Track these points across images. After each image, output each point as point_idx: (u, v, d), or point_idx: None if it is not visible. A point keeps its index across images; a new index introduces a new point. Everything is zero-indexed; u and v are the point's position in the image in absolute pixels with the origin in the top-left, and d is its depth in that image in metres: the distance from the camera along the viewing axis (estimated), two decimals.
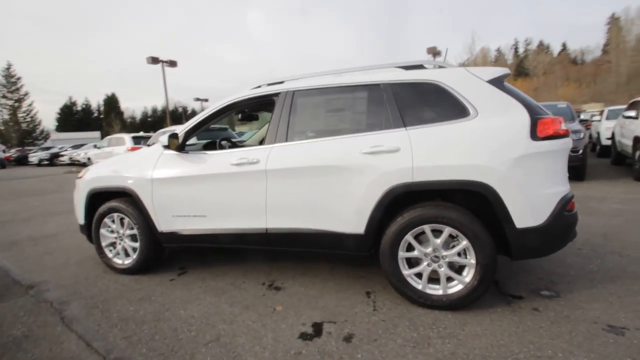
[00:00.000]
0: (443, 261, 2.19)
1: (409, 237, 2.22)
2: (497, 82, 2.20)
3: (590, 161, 7.58)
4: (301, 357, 1.86)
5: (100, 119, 64.71)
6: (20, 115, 43.79)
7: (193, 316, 2.34)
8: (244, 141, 4.50)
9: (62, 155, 22.90)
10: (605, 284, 2.48)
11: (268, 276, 2.93)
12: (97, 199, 3.18)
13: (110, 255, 3.19)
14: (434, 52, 21.70)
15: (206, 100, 37.20)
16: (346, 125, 2.51)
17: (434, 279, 2.26)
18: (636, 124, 6.65)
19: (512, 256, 2.15)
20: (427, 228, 2.17)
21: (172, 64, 21.11)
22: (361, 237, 2.32)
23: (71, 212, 6.32)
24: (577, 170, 6.37)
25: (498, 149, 2.05)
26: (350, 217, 2.32)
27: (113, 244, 3.20)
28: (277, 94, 2.66)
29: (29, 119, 44.83)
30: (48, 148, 29.08)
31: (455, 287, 2.18)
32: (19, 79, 44.49)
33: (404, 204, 2.26)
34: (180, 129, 2.85)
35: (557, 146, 2.09)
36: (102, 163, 3.42)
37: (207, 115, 2.85)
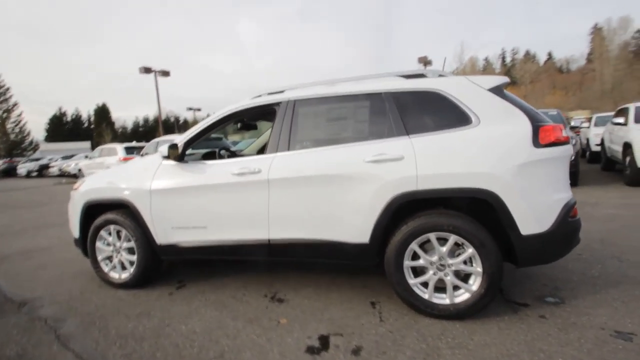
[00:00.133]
0: (449, 269, 2.18)
1: (414, 246, 2.21)
2: (497, 90, 2.23)
3: (581, 167, 7.71)
4: None
5: (90, 129, 64.13)
6: (8, 126, 43.15)
7: (195, 331, 2.27)
8: (242, 150, 4.47)
9: (52, 167, 22.54)
10: (608, 289, 2.49)
11: (270, 288, 2.87)
12: (93, 211, 3.11)
13: (106, 269, 3.10)
14: (425, 61, 22.08)
15: (199, 109, 37.12)
16: (348, 134, 2.51)
17: (439, 287, 2.24)
18: (625, 130, 6.81)
19: (518, 263, 2.14)
20: (432, 236, 2.16)
21: (165, 73, 21.06)
22: (366, 246, 2.30)
23: (63, 224, 6.23)
24: (570, 176, 6.46)
25: (501, 157, 2.06)
26: (355, 226, 2.30)
27: (109, 258, 3.11)
28: (278, 103, 2.66)
29: (17, 130, 44.18)
30: (37, 159, 28.55)
31: (462, 296, 2.16)
32: (7, 89, 43.97)
33: (408, 212, 2.25)
34: (180, 139, 2.81)
35: (559, 153, 2.11)
36: (98, 174, 3.35)
37: (207, 125, 2.82)
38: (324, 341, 2.07)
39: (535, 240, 2.05)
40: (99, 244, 3.09)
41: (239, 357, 1.96)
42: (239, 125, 3.42)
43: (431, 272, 2.21)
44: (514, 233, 2.06)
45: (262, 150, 3.96)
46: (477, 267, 2.11)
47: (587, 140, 10.84)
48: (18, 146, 43.15)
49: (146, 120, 72.70)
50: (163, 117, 23.08)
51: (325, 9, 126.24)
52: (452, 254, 2.18)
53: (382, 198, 2.20)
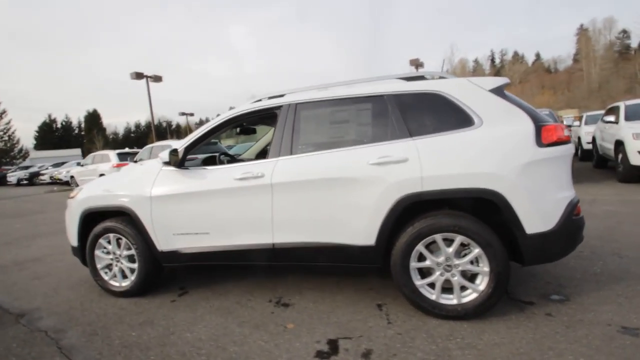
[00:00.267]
0: (456, 270, 2.18)
1: (420, 247, 2.21)
2: (498, 91, 2.25)
3: (574, 165, 7.83)
4: None
5: (81, 136, 63.36)
6: None
7: (201, 339, 2.24)
8: (240, 155, 4.44)
9: (43, 174, 22.18)
10: (611, 286, 2.52)
11: (274, 293, 2.85)
12: (91, 219, 3.06)
13: (106, 277, 3.04)
14: (417, 63, 22.26)
15: (192, 114, 36.91)
16: (351, 136, 2.50)
17: (446, 288, 2.24)
18: (616, 128, 6.93)
19: (524, 262, 2.16)
20: (438, 237, 2.16)
21: (157, 79, 20.90)
22: (372, 248, 2.29)
23: (56, 233, 6.13)
24: None
25: (505, 157, 2.07)
26: (360, 229, 2.30)
27: (109, 266, 3.06)
28: (279, 107, 2.65)
29: (6, 138, 43.41)
30: (27, 167, 28.09)
31: (470, 296, 2.17)
32: None
33: (413, 214, 2.25)
34: (180, 145, 2.78)
35: (561, 152, 2.13)
36: (96, 182, 3.30)
37: (207, 130, 2.80)
38: (333, 345, 2.05)
39: (541, 239, 2.06)
40: (98, 252, 3.03)
41: None
42: (237, 129, 3.40)
43: (438, 273, 2.21)
44: (520, 232, 2.07)
45: (260, 155, 3.97)
46: (484, 267, 2.12)
47: (579, 138, 11.01)
48: (7, 154, 42.41)
49: (138, 126, 72.06)
50: (155, 122, 22.88)
51: (316, 15, 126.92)
52: (458, 254, 2.19)
53: (388, 200, 2.20)
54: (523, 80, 59.08)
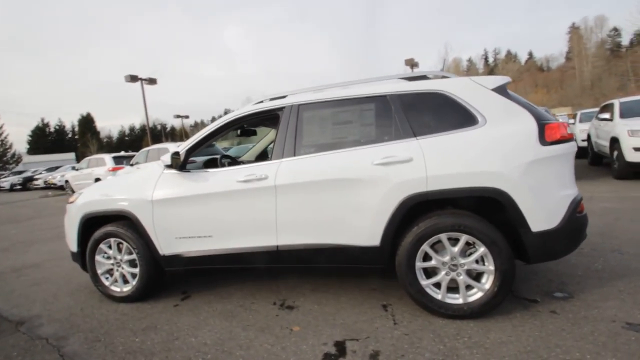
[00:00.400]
0: (461, 269, 2.18)
1: (425, 247, 2.21)
2: (501, 90, 2.26)
3: None
4: None
5: (75, 140, 62.80)
6: None
7: (206, 343, 2.22)
8: (239, 157, 4.42)
9: (36, 179, 21.94)
10: (613, 282, 2.53)
11: (278, 295, 2.83)
12: (91, 224, 3.02)
13: (107, 283, 3.01)
14: (412, 63, 22.36)
15: (187, 117, 36.69)
16: (355, 137, 2.50)
17: (451, 288, 2.24)
18: (611, 125, 7.00)
19: (529, 260, 2.16)
20: (443, 237, 2.17)
21: (152, 81, 20.76)
22: (377, 249, 2.29)
23: (53, 239, 6.06)
24: None
25: (510, 155, 2.08)
26: (365, 229, 2.29)
27: (110, 271, 3.03)
28: (281, 108, 2.64)
29: None
30: (20, 172, 27.78)
31: (475, 295, 2.17)
32: None
33: (417, 213, 2.25)
34: (181, 147, 2.76)
35: (565, 150, 2.14)
36: (95, 186, 3.27)
37: (209, 132, 2.78)
38: (340, 347, 2.04)
39: (546, 237, 2.07)
40: (98, 257, 3.00)
41: None
42: (238, 131, 3.38)
43: (443, 272, 2.21)
44: (524, 230, 2.08)
45: (260, 157, 3.95)
46: (489, 266, 2.12)
47: (573, 136, 11.11)
48: (0, 159, 41.91)
49: (132, 129, 71.56)
50: (150, 125, 22.74)
51: (311, 16, 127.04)
52: (464, 253, 2.19)
53: (393, 200, 2.20)
54: (516, 79, 59.49)
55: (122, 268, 2.96)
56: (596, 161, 8.71)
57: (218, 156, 3.29)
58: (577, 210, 2.15)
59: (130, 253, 2.91)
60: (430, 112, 2.29)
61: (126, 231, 2.86)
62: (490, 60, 71.50)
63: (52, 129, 63.06)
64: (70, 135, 64.62)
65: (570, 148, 2.18)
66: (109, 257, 2.99)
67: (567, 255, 2.61)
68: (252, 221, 2.51)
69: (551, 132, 2.10)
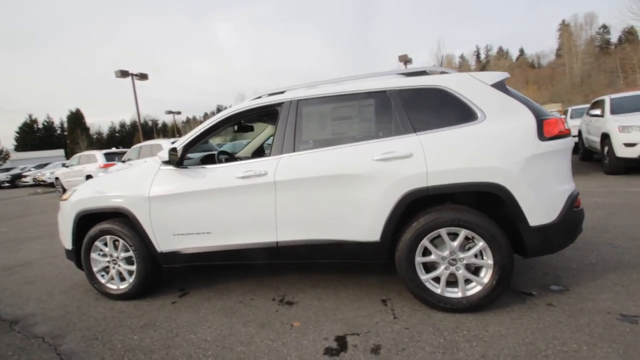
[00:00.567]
0: (460, 263, 2.20)
1: (425, 242, 2.22)
2: (500, 86, 2.27)
3: None
4: None
5: (64, 136, 61.71)
6: None
7: (206, 340, 2.21)
8: (235, 153, 4.38)
9: (25, 176, 21.54)
10: (607, 275, 2.59)
11: (277, 291, 2.83)
12: (86, 221, 2.97)
13: (103, 280, 2.97)
14: (405, 60, 22.38)
15: (179, 113, 36.26)
16: (354, 133, 2.49)
17: (450, 282, 2.26)
18: (602, 121, 7.11)
19: (527, 254, 2.19)
20: (443, 232, 2.18)
21: (143, 77, 20.44)
22: (377, 244, 2.30)
23: (44, 236, 5.96)
24: None
25: (509, 151, 2.10)
26: (365, 225, 2.30)
27: (106, 269, 2.99)
28: (280, 104, 2.62)
29: None
30: (8, 169, 27.21)
31: (474, 289, 2.19)
32: None
33: (417, 208, 2.26)
34: (179, 143, 2.72)
35: (562, 145, 2.17)
36: (89, 183, 3.21)
37: (206, 128, 2.75)
38: (342, 342, 2.05)
39: (543, 231, 2.10)
40: (94, 255, 2.96)
41: None
42: (235, 127, 3.35)
43: (443, 267, 2.23)
44: (523, 225, 2.10)
45: (257, 153, 3.92)
46: (488, 260, 2.14)
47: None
48: None
49: (122, 125, 70.62)
50: (141, 121, 22.42)
51: (302, 12, 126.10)
52: (463, 248, 2.21)
53: (393, 196, 2.20)
54: None
55: (119, 265, 2.92)
56: (587, 157, 8.85)
57: (215, 152, 3.26)
58: (574, 205, 2.19)
59: (127, 250, 2.87)
60: (430, 108, 2.29)
61: (122, 228, 2.82)
62: (482, 56, 71.97)
63: (40, 126, 61.94)
64: (59, 132, 63.54)
65: (568, 143, 2.21)
66: (104, 255, 2.95)
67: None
68: (251, 217, 2.50)
69: (549, 127, 2.13)
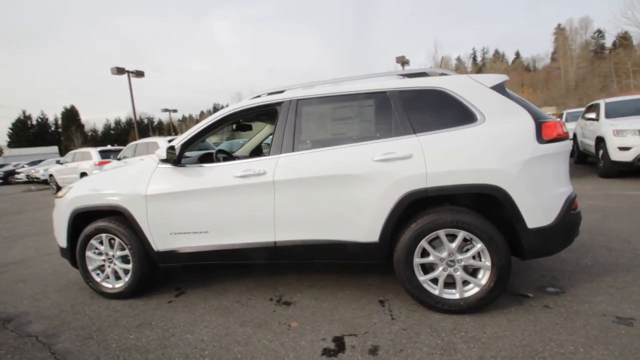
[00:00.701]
0: (458, 265, 2.21)
1: (423, 243, 2.22)
2: (499, 88, 2.28)
3: None
4: None
5: (58, 133, 61.15)
6: None
7: (203, 340, 2.19)
8: (233, 152, 4.36)
9: (19, 173, 21.31)
10: (603, 277, 2.61)
11: (274, 291, 2.82)
12: (81, 219, 2.94)
13: (98, 279, 2.94)
14: (403, 61, 22.43)
15: (175, 111, 36.07)
16: (354, 133, 2.49)
17: (448, 283, 2.27)
18: (597, 125, 7.18)
19: (525, 256, 2.20)
20: (441, 233, 2.19)
21: (139, 74, 20.26)
22: (375, 245, 2.29)
23: (38, 234, 5.90)
24: None
25: (508, 153, 2.11)
26: (364, 226, 2.30)
27: (101, 267, 2.96)
28: (279, 103, 2.60)
29: None
30: (1, 165, 26.91)
31: (472, 290, 2.20)
32: None
33: (415, 210, 2.26)
34: (177, 142, 2.70)
35: (560, 148, 2.18)
36: (85, 180, 3.18)
37: (205, 126, 2.73)
38: (339, 342, 2.05)
39: (541, 233, 2.11)
40: (89, 253, 2.93)
41: None
42: (234, 126, 3.33)
43: (441, 268, 2.23)
44: (521, 227, 2.11)
45: (255, 152, 3.91)
46: (486, 262, 2.15)
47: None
48: None
49: (118, 123, 70.11)
50: (137, 118, 22.27)
51: (300, 12, 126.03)
52: (461, 249, 2.22)
53: (392, 197, 2.20)
54: None
55: (114, 264, 2.90)
56: (582, 160, 8.93)
57: (213, 151, 3.24)
58: (572, 207, 2.20)
59: (123, 249, 2.85)
60: (430, 109, 2.29)
61: (118, 226, 2.79)
62: (479, 59, 72.42)
63: (34, 122, 61.26)
64: (53, 128, 62.94)
65: (566, 146, 2.22)
66: (100, 253, 2.92)
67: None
68: (249, 217, 2.49)
69: (548, 130, 2.14)
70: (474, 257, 2.19)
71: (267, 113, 2.80)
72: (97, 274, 2.96)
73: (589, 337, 1.91)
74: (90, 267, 2.94)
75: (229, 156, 3.37)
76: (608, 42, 55.53)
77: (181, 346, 2.14)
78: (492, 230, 2.12)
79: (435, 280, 2.27)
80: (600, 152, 6.85)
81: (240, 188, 2.47)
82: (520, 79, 60.40)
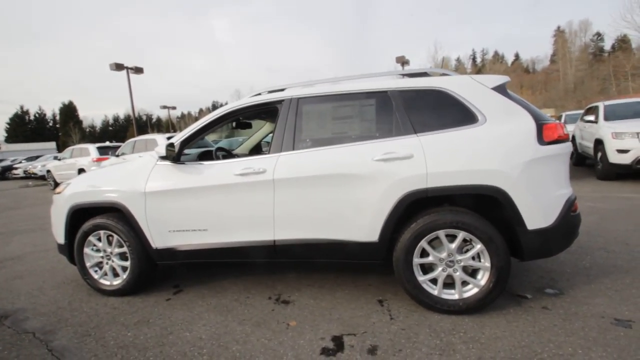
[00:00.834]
0: (458, 265, 2.21)
1: (423, 243, 2.22)
2: (501, 89, 2.28)
3: None
4: None
5: (56, 129, 60.88)
6: None
7: (201, 338, 2.18)
8: (232, 150, 4.35)
9: (16, 168, 21.21)
10: (601, 279, 2.61)
11: (273, 290, 2.81)
12: (80, 215, 2.93)
13: (96, 276, 2.93)
14: (403, 61, 22.41)
15: (174, 108, 35.93)
16: (354, 132, 2.49)
17: (447, 283, 2.27)
18: (596, 127, 7.20)
19: (524, 257, 2.21)
20: (441, 233, 2.18)
21: (138, 70, 20.18)
22: (375, 244, 2.29)
23: (35, 230, 5.87)
24: None
25: (509, 154, 2.11)
26: (363, 225, 2.29)
27: (99, 264, 2.94)
28: (280, 101, 2.59)
29: None
30: None
31: (471, 291, 2.20)
32: None
33: (415, 210, 2.26)
34: (176, 139, 2.69)
35: (561, 150, 2.18)
36: (84, 176, 3.16)
37: (204, 124, 2.71)
38: (338, 342, 2.04)
39: (541, 235, 2.11)
40: (87, 250, 2.91)
41: None
42: (233, 124, 3.32)
43: (440, 268, 2.23)
44: (521, 228, 2.11)
45: (254, 150, 3.90)
46: (486, 262, 2.15)
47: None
48: None
49: (116, 119, 69.87)
50: (135, 115, 22.18)
51: (299, 10, 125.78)
52: (461, 250, 2.21)
53: (392, 196, 2.20)
54: None
55: (112, 261, 2.88)
56: (580, 162, 8.95)
57: (212, 149, 3.23)
58: (572, 209, 2.20)
59: (121, 246, 2.83)
60: (431, 109, 2.29)
61: (117, 223, 2.78)
62: (478, 60, 72.49)
63: (31, 117, 60.95)
64: (51, 124, 62.64)
65: (566, 148, 2.22)
66: (98, 250, 2.91)
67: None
68: (249, 215, 2.48)
69: (549, 132, 2.14)
70: (473, 258, 2.19)
71: (267, 111, 2.79)
72: (95, 271, 2.95)
73: (588, 339, 1.91)
74: (88, 264, 2.93)
75: (228, 154, 3.36)
76: (607, 45, 55.72)
77: (179, 344, 2.13)
78: (492, 231, 2.11)
79: (434, 281, 2.26)
80: (599, 154, 6.87)
81: (239, 186, 2.47)
82: (519, 80, 60.51)
